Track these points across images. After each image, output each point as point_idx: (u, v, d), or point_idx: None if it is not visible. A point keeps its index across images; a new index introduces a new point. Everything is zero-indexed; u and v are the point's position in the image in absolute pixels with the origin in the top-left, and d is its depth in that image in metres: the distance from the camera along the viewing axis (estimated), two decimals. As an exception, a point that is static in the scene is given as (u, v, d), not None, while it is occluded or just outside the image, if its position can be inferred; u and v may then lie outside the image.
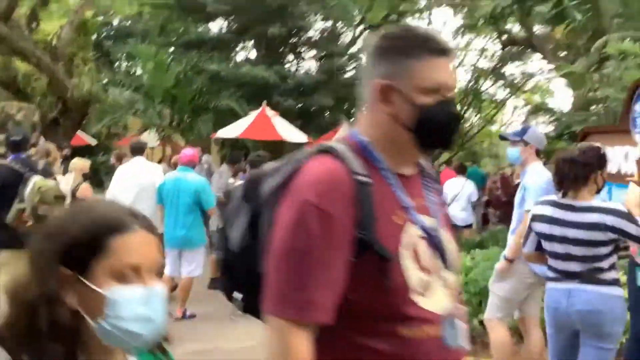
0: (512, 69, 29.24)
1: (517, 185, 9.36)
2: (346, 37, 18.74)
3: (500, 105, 33.21)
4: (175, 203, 6.22)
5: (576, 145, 3.84)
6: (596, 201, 3.05)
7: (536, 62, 30.16)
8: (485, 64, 30.38)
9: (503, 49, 24.93)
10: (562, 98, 54.52)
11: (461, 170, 9.31)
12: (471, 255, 6.53)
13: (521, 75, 30.40)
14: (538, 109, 20.75)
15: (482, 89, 31.14)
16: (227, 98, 13.34)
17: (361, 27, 19.27)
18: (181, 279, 6.39)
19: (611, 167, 7.02)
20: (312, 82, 15.20)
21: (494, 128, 37.74)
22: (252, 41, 16.09)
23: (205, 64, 13.77)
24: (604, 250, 2.96)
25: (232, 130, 11.84)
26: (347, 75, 16.36)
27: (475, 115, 33.44)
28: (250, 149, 11.88)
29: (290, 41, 16.47)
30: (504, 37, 22.76)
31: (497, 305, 4.06)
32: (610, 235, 2.91)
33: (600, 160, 3.10)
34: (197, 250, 6.43)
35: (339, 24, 17.40)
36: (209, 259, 7.18)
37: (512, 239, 4.03)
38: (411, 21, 24.61)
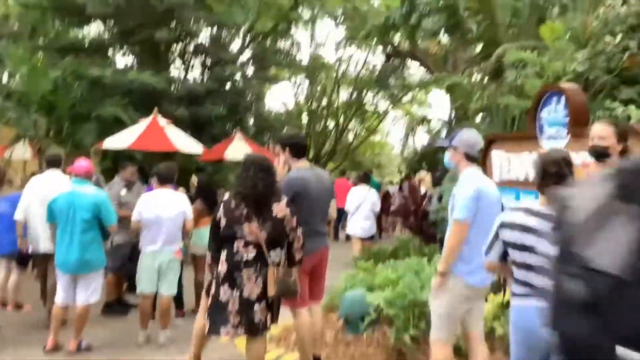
0: (393, 81, 30.11)
1: (425, 194, 9.48)
2: (235, 45, 18.26)
3: (382, 116, 34.18)
4: (70, 221, 5.52)
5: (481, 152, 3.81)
6: None
7: (416, 74, 31.59)
8: (366, 75, 31.17)
9: (387, 60, 25.48)
10: (441, 108, 57.69)
11: (365, 179, 9.14)
12: (390, 268, 6.33)
13: (401, 87, 31.52)
14: (421, 120, 21.22)
15: (366, 100, 31.92)
16: (112, 106, 12.37)
17: (250, 35, 18.89)
18: (76, 308, 5.63)
19: (519, 174, 7.17)
20: (203, 90, 14.53)
21: (376, 138, 38.96)
22: (136, 46, 15.06)
23: (85, 70, 12.66)
24: None
25: (122, 140, 10.92)
26: (237, 84, 15.85)
27: (360, 126, 34.22)
28: (139, 161, 11.03)
29: (177, 47, 15.74)
30: (389, 49, 23.28)
31: (439, 325, 3.86)
32: None
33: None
34: (95, 274, 5.69)
35: (226, 32, 16.83)
36: (105, 281, 6.50)
37: (444, 251, 3.83)
38: (297, 31, 24.76)
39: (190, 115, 13.74)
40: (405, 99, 33.71)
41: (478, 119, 14.70)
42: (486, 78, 10.51)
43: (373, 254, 7.45)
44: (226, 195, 4.32)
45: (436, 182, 10.59)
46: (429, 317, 5.27)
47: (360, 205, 8.57)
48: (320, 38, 36.79)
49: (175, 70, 16.38)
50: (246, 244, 4.03)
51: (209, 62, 15.66)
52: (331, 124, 31.46)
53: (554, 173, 2.79)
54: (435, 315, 3.87)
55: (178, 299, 6.70)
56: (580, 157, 6.05)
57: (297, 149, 4.83)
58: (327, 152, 30.75)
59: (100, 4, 13.20)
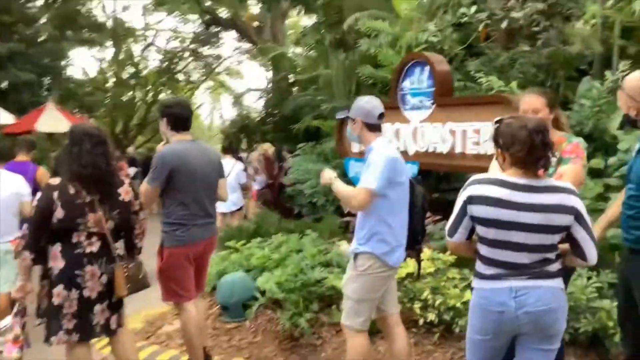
0: (208, 51, 29.27)
1: (281, 166, 9.12)
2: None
3: (195, 86, 33.16)
4: None
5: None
6: (550, 180, 2.70)
7: (230, 44, 31.05)
8: (177, 44, 29.93)
9: (206, 29, 24.53)
10: (255, 80, 57.81)
11: (231, 150, 8.57)
12: (267, 247, 5.94)
13: (217, 57, 30.83)
14: (244, 93, 20.81)
15: (178, 69, 30.66)
16: None
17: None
18: None
19: (381, 144, 7.13)
20: (5, 52, 12.52)
21: (188, 110, 37.70)
22: None
23: None
24: (558, 237, 2.62)
25: None
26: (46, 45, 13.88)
27: (171, 97, 32.80)
28: None
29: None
30: (206, 17, 22.36)
31: (356, 310, 3.53)
32: (569, 219, 2.57)
33: None
34: None
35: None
36: None
37: (374, 234, 3.47)
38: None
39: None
40: (218, 69, 32.92)
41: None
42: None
43: (235, 232, 6.96)
44: (54, 179, 3.50)
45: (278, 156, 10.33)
46: (326, 299, 5.06)
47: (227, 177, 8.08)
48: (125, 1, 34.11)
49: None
50: (89, 235, 3.43)
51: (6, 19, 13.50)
52: (139, 94, 29.56)
53: (540, 142, 2.54)
54: (351, 300, 3.54)
55: None
56: (447, 128, 6.20)
57: (177, 121, 4.16)
58: (136, 125, 28.96)
59: None
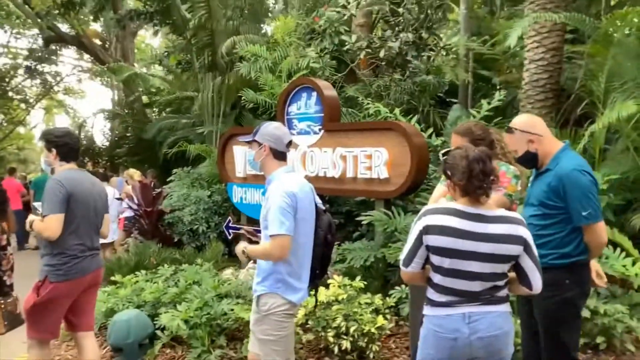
0: (48, 68, 27.30)
1: (160, 193, 8.64)
2: None
3: (32, 105, 30.71)
4: None
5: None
6: (501, 210, 2.80)
7: (70, 62, 29.23)
8: (8, 60, 27.60)
9: (46, 46, 22.82)
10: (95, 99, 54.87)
11: (106, 178, 7.97)
12: (160, 280, 5.60)
13: (53, 75, 28.89)
14: (99, 112, 19.75)
15: (10, 87, 28.24)
16: None
17: None
18: None
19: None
20: None
21: (22, 130, 34.81)
22: None
23: None
24: (507, 266, 2.72)
25: None
26: None
27: (3, 117, 30.10)
28: None
29: None
30: (46, 33, 20.77)
31: (275, 349, 3.28)
32: (519, 249, 2.68)
33: None
34: None
35: None
36: None
37: (260, 253, 3.28)
38: None
39: None
40: (56, 88, 30.80)
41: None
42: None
43: (115, 264, 6.47)
44: None
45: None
46: (231, 333, 4.85)
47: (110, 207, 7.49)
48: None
49: None
50: None
51: None
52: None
53: (479, 171, 2.62)
54: (265, 342, 3.29)
55: None
56: (337, 153, 6.31)
57: (66, 151, 4.01)
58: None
59: None
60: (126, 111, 18.59)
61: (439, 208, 2.71)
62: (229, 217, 7.59)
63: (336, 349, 4.44)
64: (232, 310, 4.79)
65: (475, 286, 2.65)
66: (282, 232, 3.09)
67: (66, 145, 4.00)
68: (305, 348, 4.68)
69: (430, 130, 6.62)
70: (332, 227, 3.46)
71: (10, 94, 28.46)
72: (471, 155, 2.66)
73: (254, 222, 7.21)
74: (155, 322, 4.97)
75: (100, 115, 23.71)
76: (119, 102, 24.26)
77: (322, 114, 6.50)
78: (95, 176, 7.37)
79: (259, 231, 6.06)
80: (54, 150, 3.97)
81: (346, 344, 4.41)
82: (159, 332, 4.77)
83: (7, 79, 27.68)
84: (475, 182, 2.62)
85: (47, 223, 3.70)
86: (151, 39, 30.85)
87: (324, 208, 3.47)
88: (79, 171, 4.04)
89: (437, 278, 2.71)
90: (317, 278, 3.44)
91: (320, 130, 6.54)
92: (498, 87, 7.74)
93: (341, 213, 7.17)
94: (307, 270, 3.35)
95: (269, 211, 3.15)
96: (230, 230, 7.52)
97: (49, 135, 4.09)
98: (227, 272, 6.41)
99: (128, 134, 17.52)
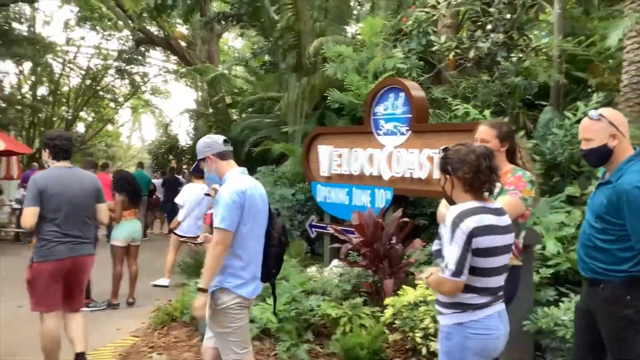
0: (136, 69, 28.51)
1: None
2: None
3: (121, 104, 32.15)
4: None
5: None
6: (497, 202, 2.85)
7: (157, 64, 30.38)
8: (99, 61, 28.98)
9: (137, 47, 23.84)
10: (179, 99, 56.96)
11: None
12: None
13: (141, 76, 30.08)
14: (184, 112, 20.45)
15: (101, 87, 29.66)
16: None
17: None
18: None
19: (353, 169, 7.12)
20: None
21: (110, 128, 36.48)
22: None
23: None
24: None
25: None
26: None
27: (94, 115, 31.69)
28: None
29: None
30: (137, 35, 21.71)
31: (235, 342, 3.44)
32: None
33: None
34: None
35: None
36: None
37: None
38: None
39: None
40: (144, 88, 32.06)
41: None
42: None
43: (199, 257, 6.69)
44: None
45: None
46: (318, 328, 4.92)
47: (201, 203, 7.74)
48: (46, 15, 32.45)
49: None
50: None
51: None
52: (59, 112, 28.34)
53: (486, 167, 2.64)
54: (224, 334, 3.45)
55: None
56: (424, 154, 6.26)
57: (56, 151, 4.65)
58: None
59: None
60: (210, 111, 19.20)
61: (471, 209, 2.62)
62: (312, 216, 7.67)
63: (424, 350, 4.41)
64: (319, 306, 4.85)
65: (501, 281, 2.70)
66: (222, 226, 3.31)
67: (56, 147, 4.62)
68: (392, 348, 4.67)
69: (522, 132, 6.46)
70: (285, 230, 3.74)
71: (100, 93, 29.95)
72: (478, 151, 2.68)
73: (337, 221, 7.28)
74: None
75: (185, 115, 24.74)
76: (203, 103, 25.03)
77: (410, 115, 6.46)
78: (87, 167, 7.74)
79: (348, 231, 6.12)
80: (47, 151, 4.63)
81: (435, 346, 4.37)
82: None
83: (98, 79, 29.15)
84: (481, 177, 2.64)
85: (23, 214, 4.49)
86: (234, 41, 31.76)
87: (277, 212, 3.87)
88: (65, 169, 4.62)
89: (473, 280, 2.62)
90: (273, 276, 3.72)
91: (407, 131, 6.51)
92: (592, 90, 7.45)
93: (426, 215, 7.11)
94: (259, 266, 3.53)
95: (220, 204, 3.36)
96: (314, 229, 7.61)
97: (44, 138, 4.85)
98: (312, 270, 6.47)
99: (214, 133, 18.04)
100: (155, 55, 28.89)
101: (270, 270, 3.62)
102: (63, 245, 4.47)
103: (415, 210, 7.33)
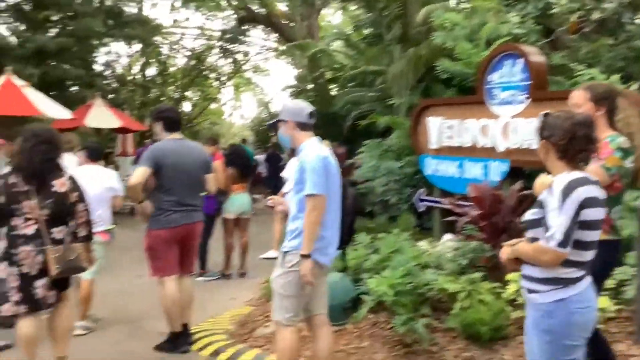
0: (238, 48, 29.03)
1: (352, 164, 8.86)
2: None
3: (224, 83, 32.98)
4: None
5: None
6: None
7: (256, 42, 30.82)
8: (204, 42, 29.74)
9: (239, 25, 24.29)
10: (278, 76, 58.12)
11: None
12: (360, 247, 5.68)
13: (243, 54, 30.61)
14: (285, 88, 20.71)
15: (205, 66, 30.49)
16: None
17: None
18: None
19: (463, 141, 6.85)
20: (54, 47, 12.34)
21: (213, 107, 37.58)
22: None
23: None
24: None
25: (-33, 105, 8.88)
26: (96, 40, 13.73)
27: (199, 94, 32.71)
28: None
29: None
30: (239, 13, 22.13)
31: (285, 306, 3.62)
32: None
33: None
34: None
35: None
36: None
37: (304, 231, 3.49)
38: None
39: (40, 76, 11.61)
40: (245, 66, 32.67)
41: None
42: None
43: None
44: (6, 169, 4.21)
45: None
46: (434, 303, 4.79)
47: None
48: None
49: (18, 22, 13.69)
50: (26, 220, 3.89)
51: (56, 15, 13.32)
52: (167, 91, 29.46)
53: (583, 135, 2.51)
54: (280, 296, 3.64)
55: (201, 260, 7.19)
56: (543, 122, 5.90)
57: (170, 123, 4.90)
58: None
59: None
60: (310, 87, 19.30)
61: (579, 179, 2.50)
62: (421, 189, 7.50)
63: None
64: (435, 280, 4.71)
65: (593, 254, 2.60)
66: (316, 191, 3.41)
67: (168, 118, 4.91)
68: (514, 325, 4.46)
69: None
70: (357, 199, 4.05)
71: (205, 72, 30.86)
72: (576, 118, 2.57)
73: (447, 194, 7.07)
74: (357, 288, 5.08)
75: (286, 92, 25.04)
76: (302, 79, 25.19)
77: (529, 82, 6.10)
78: (209, 143, 7.87)
79: (462, 205, 5.89)
80: (160, 123, 4.88)
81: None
82: (363, 297, 4.84)
83: (202, 59, 30.02)
84: (576, 145, 2.52)
85: (134, 173, 4.74)
86: (332, 17, 31.63)
87: (349, 182, 3.98)
88: (177, 140, 4.87)
89: (579, 254, 2.53)
90: (346, 243, 3.87)
91: (526, 99, 6.15)
92: None
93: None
94: (337, 234, 3.65)
95: (307, 172, 3.44)
96: (422, 203, 7.44)
97: (154, 111, 5.14)
98: (422, 244, 6.33)
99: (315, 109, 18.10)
100: (256, 34, 29.38)
101: (343, 237, 3.77)
102: (178, 214, 4.72)
103: (530, 183, 6.96)
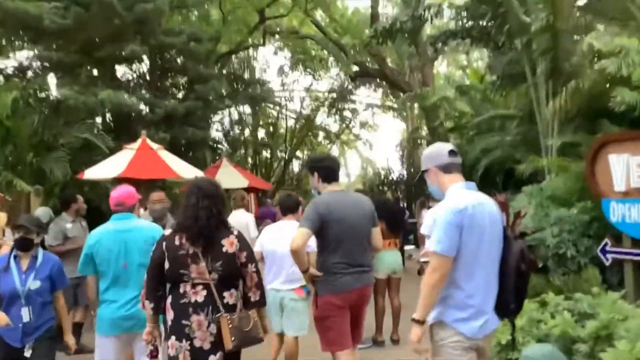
0: (346, 105, 29.11)
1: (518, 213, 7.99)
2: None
3: (333, 140, 33.07)
4: (121, 266, 4.24)
5: None
6: None
7: (364, 99, 30.77)
8: (311, 102, 30.06)
9: (353, 81, 24.32)
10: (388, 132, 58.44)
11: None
12: (565, 311, 4.79)
13: (351, 111, 30.63)
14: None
15: (314, 126, 30.79)
16: (83, 131, 10.26)
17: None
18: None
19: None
20: (183, 111, 12.59)
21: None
22: (95, 65, 12.94)
23: (47, 90, 10.61)
24: None
25: (107, 170, 8.99)
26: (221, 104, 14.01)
27: (308, 154, 32.93)
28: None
29: (142, 65, 13.76)
30: (353, 69, 22.12)
31: None
32: None
33: None
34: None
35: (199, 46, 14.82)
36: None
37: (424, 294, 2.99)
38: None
39: (170, 140, 11.81)
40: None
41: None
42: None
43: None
44: (168, 230, 3.74)
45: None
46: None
47: None
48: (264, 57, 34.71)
49: (151, 90, 14.25)
50: (194, 285, 3.47)
51: (182, 79, 13.75)
52: (276, 152, 29.87)
53: None
54: None
55: None
56: None
57: (327, 173, 4.44)
58: (275, 182, 28.96)
59: (58, 15, 11.04)
60: (426, 137, 18.69)
61: None
62: (606, 240, 6.47)
63: None
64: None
65: None
66: (438, 250, 2.96)
67: (325, 168, 4.43)
68: None
69: None
70: (526, 255, 3.17)
71: (313, 131, 31.06)
72: None
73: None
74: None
75: (398, 146, 24.57)
76: (414, 131, 24.77)
77: None
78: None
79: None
80: (316, 174, 4.41)
81: None
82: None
83: (311, 119, 30.27)
84: None
85: (296, 233, 4.15)
86: (440, 66, 31.08)
87: (514, 235, 3.30)
88: (339, 192, 4.41)
89: None
90: (512, 312, 3.18)
91: None
92: None
93: None
94: (489, 299, 3.04)
95: (436, 224, 3.07)
96: (609, 255, 6.41)
97: (309, 162, 4.81)
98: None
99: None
100: (361, 92, 29.36)
101: (507, 304, 3.09)
102: (349, 276, 4.23)
103: None
